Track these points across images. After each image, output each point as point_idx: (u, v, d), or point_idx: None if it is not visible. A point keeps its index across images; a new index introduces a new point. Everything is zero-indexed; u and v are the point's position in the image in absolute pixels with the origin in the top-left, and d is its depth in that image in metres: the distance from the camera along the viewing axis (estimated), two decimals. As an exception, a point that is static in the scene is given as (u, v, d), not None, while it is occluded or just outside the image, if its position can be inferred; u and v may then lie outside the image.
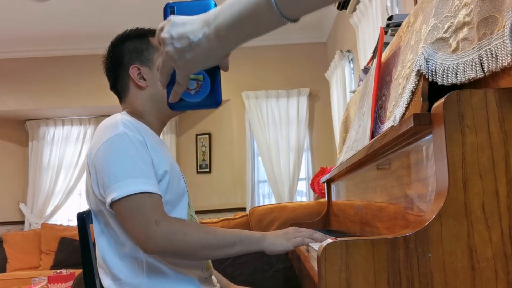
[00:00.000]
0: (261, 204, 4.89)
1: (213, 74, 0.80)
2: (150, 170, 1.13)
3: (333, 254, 0.72)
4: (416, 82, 0.92)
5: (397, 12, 2.75)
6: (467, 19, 0.81)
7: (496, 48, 0.73)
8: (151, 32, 1.32)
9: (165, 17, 0.76)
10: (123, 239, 1.16)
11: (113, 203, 1.10)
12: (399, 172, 0.99)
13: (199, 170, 5.42)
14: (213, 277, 1.35)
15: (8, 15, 4.43)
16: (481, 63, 0.77)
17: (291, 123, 5.08)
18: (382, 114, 1.17)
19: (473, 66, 0.78)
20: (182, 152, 5.51)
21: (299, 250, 1.57)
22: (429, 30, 0.94)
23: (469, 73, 0.79)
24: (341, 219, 1.80)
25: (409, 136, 0.89)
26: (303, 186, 5.23)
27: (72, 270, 3.19)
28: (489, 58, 0.75)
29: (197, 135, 5.47)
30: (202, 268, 1.26)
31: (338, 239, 0.73)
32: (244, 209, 4.99)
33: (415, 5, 1.42)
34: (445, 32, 0.88)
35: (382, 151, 1.08)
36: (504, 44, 0.71)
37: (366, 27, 3.17)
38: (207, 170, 5.38)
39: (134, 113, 1.27)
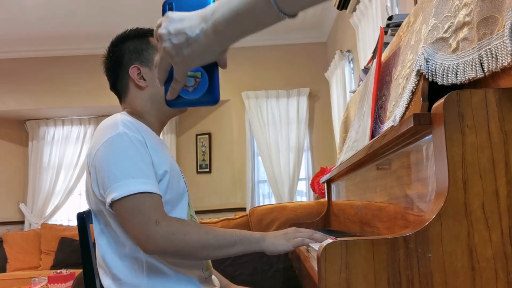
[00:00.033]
0: (261, 204, 4.89)
1: (211, 71, 0.80)
2: (150, 170, 1.13)
3: (333, 254, 0.72)
4: (416, 82, 0.92)
5: (397, 12, 2.75)
6: (467, 19, 0.81)
7: (496, 48, 0.73)
8: (151, 32, 1.32)
9: (164, 14, 0.76)
10: (123, 239, 1.16)
11: (113, 203, 1.10)
12: (399, 172, 0.99)
13: (199, 170, 5.42)
14: (213, 277, 1.35)
15: (8, 15, 4.43)
16: (481, 63, 0.77)
17: (291, 123, 5.08)
18: (382, 114, 1.17)
19: (473, 66, 0.78)
20: (182, 152, 5.51)
21: (299, 250, 1.57)
22: (429, 30, 0.94)
23: (469, 73, 0.79)
24: (341, 219, 1.80)
25: (409, 136, 0.89)
26: (303, 186, 5.23)
27: (72, 270, 3.19)
28: (489, 58, 0.75)
29: (197, 135, 5.47)
30: (202, 268, 1.26)
31: (338, 239, 0.73)
32: (244, 209, 4.99)
33: (415, 5, 1.42)
34: (445, 32, 0.88)
35: (382, 151, 1.08)
36: (504, 44, 0.71)
37: (366, 27, 3.17)
38: (207, 170, 5.38)
39: (134, 113, 1.27)
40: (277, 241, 1.12)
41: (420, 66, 0.89)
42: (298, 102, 5.11)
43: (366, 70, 1.94)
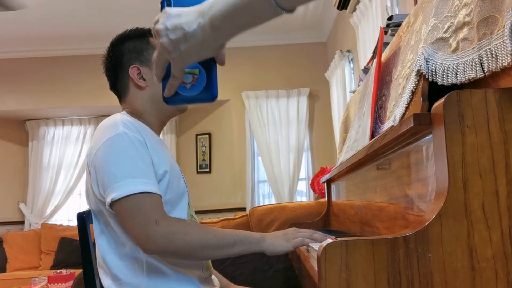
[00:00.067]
0: (261, 204, 4.89)
1: (209, 68, 0.79)
2: (150, 170, 1.13)
3: (333, 254, 0.72)
4: (416, 82, 0.92)
5: (397, 12, 2.75)
6: (467, 19, 0.81)
7: (496, 48, 0.73)
8: (151, 32, 1.32)
9: (162, 10, 0.76)
10: (123, 239, 1.16)
11: (113, 203, 1.09)
12: (399, 172, 0.99)
13: (199, 170, 5.42)
14: (213, 277, 1.35)
15: (8, 15, 4.43)
16: (481, 63, 0.77)
17: (291, 123, 5.08)
18: (382, 114, 1.17)
19: (473, 66, 0.78)
20: (182, 152, 5.51)
21: (299, 250, 1.57)
22: (429, 30, 0.94)
23: (469, 73, 0.79)
24: (341, 219, 1.80)
25: (409, 136, 0.89)
26: (303, 186, 5.23)
27: (72, 270, 3.19)
28: (489, 58, 0.75)
29: (197, 135, 5.47)
30: (202, 268, 1.26)
31: (338, 239, 0.73)
32: (244, 209, 4.99)
33: (415, 5, 1.42)
34: (445, 32, 0.88)
35: (382, 151, 1.08)
36: (504, 44, 0.71)
37: (366, 27, 3.17)
38: (207, 170, 5.38)
39: (133, 113, 1.27)
40: (277, 241, 1.12)
41: (420, 66, 0.89)
42: (298, 102, 5.11)
43: (366, 70, 1.94)
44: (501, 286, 0.70)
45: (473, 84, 0.80)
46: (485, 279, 0.70)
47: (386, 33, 1.63)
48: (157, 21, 0.73)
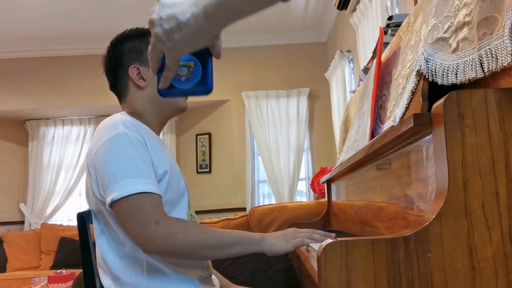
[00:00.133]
0: (261, 204, 4.89)
1: (205, 60, 0.79)
2: (150, 170, 1.13)
3: (333, 254, 0.72)
4: (416, 82, 0.92)
5: (397, 12, 2.75)
6: (467, 19, 0.81)
7: (496, 48, 0.73)
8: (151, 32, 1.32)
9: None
10: (123, 239, 1.16)
11: (113, 203, 1.09)
12: (399, 172, 0.99)
13: (199, 170, 5.42)
14: (213, 277, 1.35)
15: (8, 15, 4.43)
16: (481, 63, 0.77)
17: (291, 123, 5.08)
18: (382, 114, 1.17)
19: (473, 66, 0.78)
20: (182, 152, 5.51)
21: (299, 250, 1.57)
22: (429, 30, 0.94)
23: (469, 73, 0.79)
24: (341, 219, 1.80)
25: (409, 136, 0.89)
26: (303, 186, 5.23)
27: (72, 270, 3.19)
28: (489, 58, 0.75)
29: (197, 135, 5.47)
30: (202, 268, 1.26)
31: (338, 239, 0.73)
32: (244, 209, 4.99)
33: (415, 5, 1.42)
34: (445, 32, 0.88)
35: (382, 151, 1.08)
36: (504, 44, 0.71)
37: (366, 27, 3.17)
38: (207, 170, 5.38)
39: (133, 113, 1.27)
40: (277, 241, 1.12)
41: (420, 66, 0.89)
42: (298, 102, 5.11)
43: (366, 70, 1.94)
44: (501, 286, 0.70)
45: (473, 84, 0.80)
46: (485, 279, 0.70)
47: (386, 33, 1.63)
48: (152, 11, 0.73)
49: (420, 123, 0.79)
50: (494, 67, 0.74)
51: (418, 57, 0.91)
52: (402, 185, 0.97)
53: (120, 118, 1.19)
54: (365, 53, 3.16)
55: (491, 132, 0.72)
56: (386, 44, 1.44)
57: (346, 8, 3.70)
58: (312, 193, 4.02)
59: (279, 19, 4.77)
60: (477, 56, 0.78)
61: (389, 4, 2.79)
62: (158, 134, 1.31)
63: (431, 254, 0.71)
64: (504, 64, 0.72)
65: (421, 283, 0.71)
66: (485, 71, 0.76)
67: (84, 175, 1.60)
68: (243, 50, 5.19)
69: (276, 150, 5.02)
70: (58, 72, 5.28)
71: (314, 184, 3.35)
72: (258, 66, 5.24)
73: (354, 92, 2.07)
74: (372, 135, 1.20)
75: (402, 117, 0.94)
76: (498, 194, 0.71)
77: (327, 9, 4.57)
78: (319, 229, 1.18)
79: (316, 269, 0.76)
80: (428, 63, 0.88)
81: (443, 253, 0.71)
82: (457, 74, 0.82)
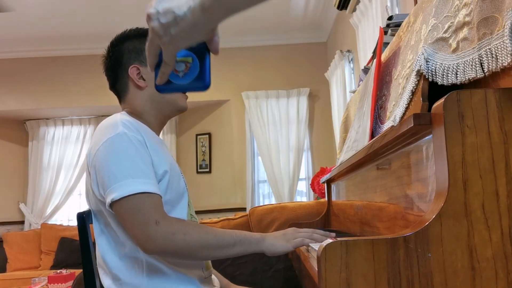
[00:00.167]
0: (261, 204, 4.89)
1: (203, 56, 0.79)
2: (150, 170, 1.13)
3: (333, 254, 0.72)
4: (416, 82, 0.92)
5: (397, 12, 2.75)
6: (467, 19, 0.81)
7: (496, 48, 0.73)
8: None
9: None
10: (123, 239, 1.16)
11: (113, 203, 1.09)
12: (399, 172, 0.99)
13: (199, 170, 5.42)
14: (213, 276, 1.35)
15: (9, 15, 4.43)
16: (481, 63, 0.77)
17: (291, 123, 5.08)
18: (382, 114, 1.17)
19: (473, 66, 0.78)
20: (182, 152, 5.51)
21: (299, 250, 1.57)
22: (429, 30, 0.94)
23: (469, 73, 0.79)
24: (341, 219, 1.80)
25: (409, 136, 0.89)
26: (303, 186, 5.23)
27: (72, 270, 3.19)
28: (489, 58, 0.75)
29: (197, 135, 5.47)
30: (202, 268, 1.26)
31: (338, 239, 0.73)
32: (244, 209, 4.99)
33: (415, 5, 1.42)
34: (445, 32, 0.88)
35: (382, 151, 1.08)
36: (504, 44, 0.71)
37: (366, 27, 3.17)
38: (207, 170, 5.38)
39: (133, 113, 1.27)
40: (277, 241, 1.12)
41: (420, 66, 0.89)
42: (298, 102, 5.11)
43: (366, 70, 1.94)
44: (501, 286, 0.70)
45: (473, 84, 0.80)
46: (485, 279, 0.70)
47: (386, 33, 1.63)
48: (149, 5, 0.73)
49: (420, 123, 0.79)
50: (494, 67, 0.74)
51: (418, 57, 0.91)
52: (402, 185, 0.97)
53: (120, 118, 1.19)
54: (365, 53, 3.16)
55: (491, 132, 0.72)
56: (386, 44, 1.44)
57: (346, 8, 3.70)
58: (312, 193, 4.02)
59: (279, 19, 4.77)
60: (477, 56, 0.78)
61: (389, 4, 2.79)
62: (158, 134, 1.31)
63: (431, 254, 0.71)
64: (504, 64, 0.72)
65: (421, 283, 0.71)
66: (485, 71, 0.76)
67: (84, 175, 1.60)
68: (243, 50, 5.19)
69: (276, 150, 5.02)
70: (58, 72, 5.28)
71: (314, 184, 3.35)
72: (258, 66, 5.24)
73: (354, 92, 2.07)
74: (372, 135, 1.20)
75: (402, 117, 0.94)
76: (498, 194, 0.71)
77: (327, 9, 4.57)
78: (319, 229, 1.18)
79: (316, 269, 0.76)
80: (428, 63, 0.88)
81: (443, 253, 0.71)
82: (457, 74, 0.82)
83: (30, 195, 5.41)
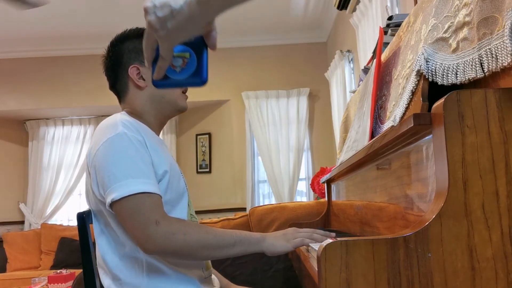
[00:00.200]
0: (261, 204, 4.89)
1: (200, 51, 0.79)
2: (150, 170, 1.13)
3: (333, 254, 0.72)
4: (416, 82, 0.92)
5: (397, 12, 2.75)
6: (467, 19, 0.81)
7: (496, 48, 0.73)
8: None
9: None
10: (123, 239, 1.16)
11: (113, 203, 1.09)
12: (399, 172, 0.99)
13: (199, 170, 5.42)
14: (213, 276, 1.35)
15: (8, 15, 4.43)
16: (481, 63, 0.77)
17: (291, 123, 5.08)
18: (382, 114, 1.17)
19: (473, 66, 0.78)
20: (182, 152, 5.51)
21: (299, 250, 1.57)
22: (429, 30, 0.94)
23: (469, 73, 0.79)
24: (341, 219, 1.80)
25: (409, 136, 0.89)
26: (303, 186, 5.23)
27: (72, 270, 3.19)
28: (489, 58, 0.75)
29: (197, 135, 5.47)
30: (202, 268, 1.26)
31: (338, 239, 0.73)
32: (244, 209, 4.99)
33: (415, 5, 1.42)
34: (445, 32, 0.88)
35: (382, 151, 1.08)
36: (504, 44, 0.71)
37: (366, 27, 3.17)
38: (207, 170, 5.38)
39: (133, 113, 1.27)
40: (277, 241, 1.12)
41: (420, 66, 0.89)
42: (298, 102, 5.11)
43: (366, 70, 1.94)
44: (501, 286, 0.70)
45: (473, 84, 0.80)
46: (485, 279, 0.70)
47: (386, 33, 1.63)
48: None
49: (420, 123, 0.79)
50: (494, 67, 0.74)
51: (418, 57, 0.91)
52: (402, 185, 0.97)
53: (120, 118, 1.19)
54: (365, 53, 3.16)
55: (491, 132, 0.72)
56: (386, 44, 1.44)
57: (346, 8, 3.70)
58: (312, 193, 4.02)
59: (279, 19, 4.77)
60: (477, 56, 0.78)
61: (389, 4, 2.79)
62: (158, 134, 1.31)
63: (431, 254, 0.71)
64: (504, 64, 0.72)
65: (421, 283, 0.71)
66: (485, 71, 0.76)
67: (84, 175, 1.60)
68: (243, 50, 5.19)
69: (276, 150, 5.02)
70: (58, 72, 5.28)
71: (314, 184, 3.35)
72: (258, 66, 5.24)
73: (354, 92, 2.07)
74: (372, 135, 1.20)
75: (402, 117, 0.94)
76: (498, 194, 0.71)
77: (327, 9, 4.57)
78: (319, 229, 1.18)
79: (316, 269, 0.76)
80: (428, 63, 0.88)
81: (443, 253, 0.71)
82: (457, 74, 0.82)
83: (30, 195, 5.41)
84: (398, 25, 1.60)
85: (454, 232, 0.71)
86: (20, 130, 5.65)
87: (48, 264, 4.34)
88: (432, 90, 0.88)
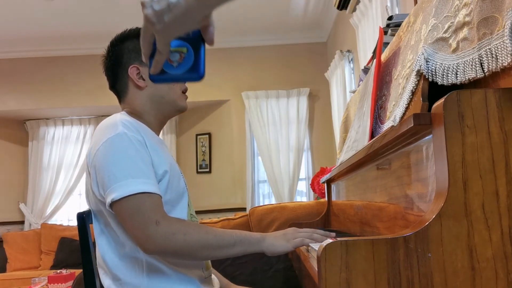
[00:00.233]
0: (261, 204, 4.89)
1: (197, 46, 0.78)
2: (150, 170, 1.13)
3: (333, 254, 0.72)
4: (416, 82, 0.92)
5: (397, 12, 2.75)
6: (467, 19, 0.81)
7: (496, 48, 0.73)
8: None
9: None
10: (123, 239, 1.16)
11: (113, 203, 1.09)
12: (399, 172, 0.99)
13: (199, 170, 5.42)
14: (213, 276, 1.35)
15: (8, 15, 4.43)
16: (481, 63, 0.77)
17: (291, 123, 5.08)
18: (382, 114, 1.17)
19: (473, 66, 0.78)
20: (182, 152, 5.51)
21: (299, 250, 1.57)
22: (429, 30, 0.94)
23: (469, 73, 0.79)
24: (341, 219, 1.80)
25: (409, 136, 0.89)
26: (303, 186, 5.23)
27: (72, 270, 3.19)
28: (489, 58, 0.75)
29: (197, 135, 5.47)
30: (202, 268, 1.26)
31: (338, 239, 0.73)
32: (244, 209, 4.99)
33: (415, 5, 1.42)
34: (445, 32, 0.88)
35: (382, 151, 1.08)
36: (504, 44, 0.71)
37: (366, 27, 3.17)
38: (207, 170, 5.38)
39: (133, 113, 1.27)
40: (277, 241, 1.12)
41: (420, 66, 0.89)
42: (298, 102, 5.11)
43: (366, 70, 1.94)
44: (501, 286, 0.70)
45: (473, 84, 0.80)
46: (485, 279, 0.70)
47: (386, 33, 1.63)
48: None
49: (420, 123, 0.79)
50: (494, 67, 0.74)
51: (418, 57, 0.91)
52: (402, 185, 0.97)
53: (119, 118, 1.19)
54: (365, 53, 3.16)
55: (491, 132, 0.72)
56: (386, 44, 1.44)
57: (346, 8, 3.70)
58: (312, 193, 4.02)
59: (279, 19, 4.77)
60: (477, 56, 0.78)
61: (389, 4, 2.79)
62: (158, 134, 1.31)
63: (431, 254, 0.71)
64: (504, 64, 0.72)
65: (421, 283, 0.71)
66: (485, 71, 0.76)
67: (84, 175, 1.60)
68: (243, 50, 5.19)
69: (276, 150, 5.02)
70: (58, 72, 5.28)
71: (314, 184, 3.35)
72: (258, 66, 5.24)
73: (354, 92, 2.07)
74: (372, 135, 1.20)
75: (402, 117, 0.94)
76: (498, 194, 0.71)
77: (327, 9, 4.57)
78: (319, 229, 1.18)
79: (316, 269, 0.76)
80: (428, 63, 0.88)
81: (443, 253, 0.71)
82: (457, 74, 0.82)
83: (30, 195, 5.41)
84: (398, 25, 1.60)
85: (454, 232, 0.71)
86: (20, 130, 5.65)
87: (48, 264, 4.34)
88: (432, 90, 0.88)
